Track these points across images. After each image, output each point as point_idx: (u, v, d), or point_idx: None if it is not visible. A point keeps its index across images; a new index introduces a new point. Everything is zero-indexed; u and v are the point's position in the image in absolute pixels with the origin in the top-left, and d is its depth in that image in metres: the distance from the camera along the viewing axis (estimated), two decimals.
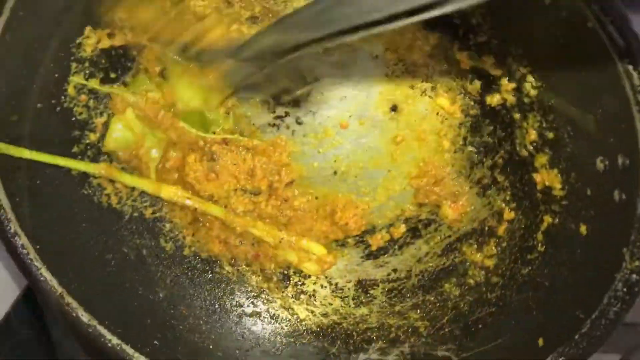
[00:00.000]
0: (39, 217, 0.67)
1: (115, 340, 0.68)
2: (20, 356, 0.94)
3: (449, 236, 0.78)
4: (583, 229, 0.63)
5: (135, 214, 0.78)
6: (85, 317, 0.67)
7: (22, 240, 0.65)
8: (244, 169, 0.74)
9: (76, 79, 0.68)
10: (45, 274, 0.66)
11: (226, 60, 0.69)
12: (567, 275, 0.66)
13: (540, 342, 0.64)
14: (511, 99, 0.68)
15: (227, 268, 0.81)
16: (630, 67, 0.53)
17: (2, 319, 0.90)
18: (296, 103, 0.74)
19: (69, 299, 0.67)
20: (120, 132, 0.74)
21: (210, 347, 0.77)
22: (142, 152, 0.74)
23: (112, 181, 0.74)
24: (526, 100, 0.67)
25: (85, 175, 0.72)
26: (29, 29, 0.59)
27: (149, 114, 0.72)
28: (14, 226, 0.64)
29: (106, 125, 0.73)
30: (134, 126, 0.73)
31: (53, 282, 0.67)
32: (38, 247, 0.66)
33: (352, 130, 0.74)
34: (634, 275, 0.57)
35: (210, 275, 0.81)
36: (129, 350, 0.69)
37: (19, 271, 0.88)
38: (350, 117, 0.73)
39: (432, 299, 0.78)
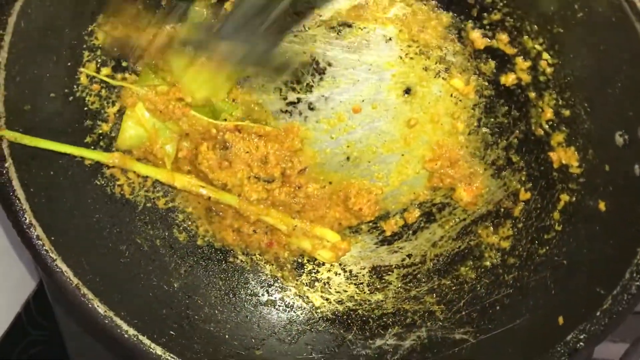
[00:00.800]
0: (53, 208, 0.67)
1: (132, 332, 0.69)
2: (32, 357, 0.94)
3: (464, 219, 0.77)
4: (602, 205, 0.63)
5: (149, 205, 0.77)
6: (101, 308, 0.68)
7: (37, 231, 0.65)
8: (256, 156, 0.74)
9: (88, 70, 0.68)
10: (61, 265, 0.66)
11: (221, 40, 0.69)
12: (586, 253, 0.65)
13: (560, 320, 0.64)
14: (526, 77, 0.68)
15: (241, 257, 0.81)
16: None
17: (13, 319, 0.90)
18: (309, 88, 0.73)
19: (84, 290, 0.67)
20: (132, 130, 0.73)
21: (226, 336, 0.76)
22: (157, 148, 0.74)
23: (124, 171, 0.74)
24: (542, 78, 0.67)
25: (98, 166, 0.72)
26: (44, 16, 0.59)
27: (160, 106, 0.72)
28: (29, 217, 0.64)
29: (119, 116, 0.73)
30: (145, 122, 0.73)
31: (69, 273, 0.67)
32: (53, 238, 0.66)
33: (365, 114, 0.74)
34: None
35: (225, 264, 0.80)
36: (146, 341, 0.69)
37: (28, 271, 0.89)
38: (363, 101, 0.73)
39: (448, 282, 0.78)
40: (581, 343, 0.62)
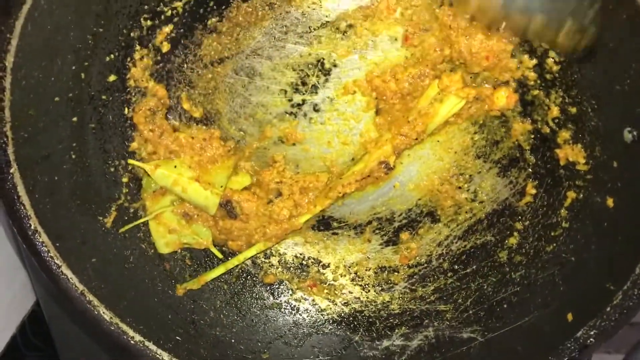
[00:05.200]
0: (58, 215, 0.66)
1: (138, 337, 0.68)
2: None
3: (470, 218, 0.78)
4: (610, 201, 0.64)
5: None
6: (107, 315, 0.67)
7: (42, 237, 0.64)
8: None
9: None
10: (66, 271, 0.65)
11: None
12: (594, 249, 0.66)
13: (570, 317, 0.65)
14: (532, 75, 0.68)
15: (246, 261, 0.80)
16: None
17: (8, 340, 0.88)
18: (314, 90, 0.73)
19: (90, 297, 0.67)
20: (166, 237, 0.76)
21: (232, 340, 0.76)
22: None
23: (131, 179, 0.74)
24: (548, 76, 0.67)
25: (102, 172, 0.71)
26: (50, 20, 0.58)
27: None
28: (34, 223, 0.63)
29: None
30: (176, 225, 0.75)
31: (74, 280, 0.66)
32: (58, 244, 0.65)
33: (371, 115, 0.74)
34: None
35: (229, 270, 0.80)
36: (152, 347, 0.68)
37: (24, 292, 0.88)
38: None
39: (454, 281, 0.78)
40: (592, 339, 0.62)
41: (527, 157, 0.73)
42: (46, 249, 0.64)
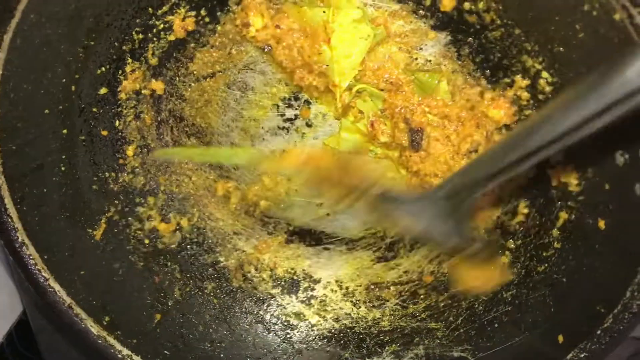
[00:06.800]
0: (46, 227, 0.66)
1: (125, 352, 0.67)
2: None
3: None
4: (602, 223, 0.63)
5: None
6: (94, 328, 0.66)
7: (29, 250, 0.63)
8: None
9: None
10: (54, 284, 0.65)
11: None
12: (585, 271, 0.65)
13: (560, 338, 0.64)
14: (525, 95, 0.68)
15: (236, 275, 0.80)
16: None
17: None
18: (306, 105, 0.73)
19: (77, 310, 0.66)
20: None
21: (221, 355, 0.75)
22: None
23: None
24: (540, 97, 0.67)
25: (91, 184, 0.71)
26: (39, 34, 0.58)
27: None
28: (21, 236, 0.63)
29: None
30: None
31: (62, 293, 0.65)
32: (45, 257, 0.64)
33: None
34: None
35: (219, 282, 0.79)
36: None
37: (10, 302, 0.87)
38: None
39: (445, 299, 0.77)
40: None
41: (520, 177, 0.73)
42: (33, 262, 0.63)
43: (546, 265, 0.70)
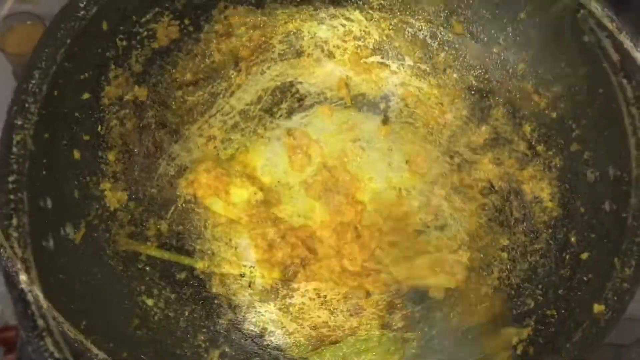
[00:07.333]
0: None
1: (102, 356, 0.67)
2: None
3: (440, 250, 0.78)
4: (573, 239, 0.64)
5: None
6: (71, 332, 0.66)
7: (7, 253, 0.63)
8: None
9: None
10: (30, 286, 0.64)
11: None
12: (556, 286, 0.67)
13: (531, 351, 0.65)
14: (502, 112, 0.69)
15: (215, 282, 0.80)
16: (625, 81, 0.54)
17: None
18: (289, 114, 0.73)
19: (54, 313, 0.66)
20: None
21: None
22: None
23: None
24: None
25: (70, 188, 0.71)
26: None
27: None
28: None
29: None
30: None
31: (38, 294, 0.65)
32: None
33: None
34: (625, 284, 0.58)
35: (198, 289, 0.79)
36: None
37: None
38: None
39: (421, 310, 0.78)
40: None
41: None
42: (11, 264, 0.63)
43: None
